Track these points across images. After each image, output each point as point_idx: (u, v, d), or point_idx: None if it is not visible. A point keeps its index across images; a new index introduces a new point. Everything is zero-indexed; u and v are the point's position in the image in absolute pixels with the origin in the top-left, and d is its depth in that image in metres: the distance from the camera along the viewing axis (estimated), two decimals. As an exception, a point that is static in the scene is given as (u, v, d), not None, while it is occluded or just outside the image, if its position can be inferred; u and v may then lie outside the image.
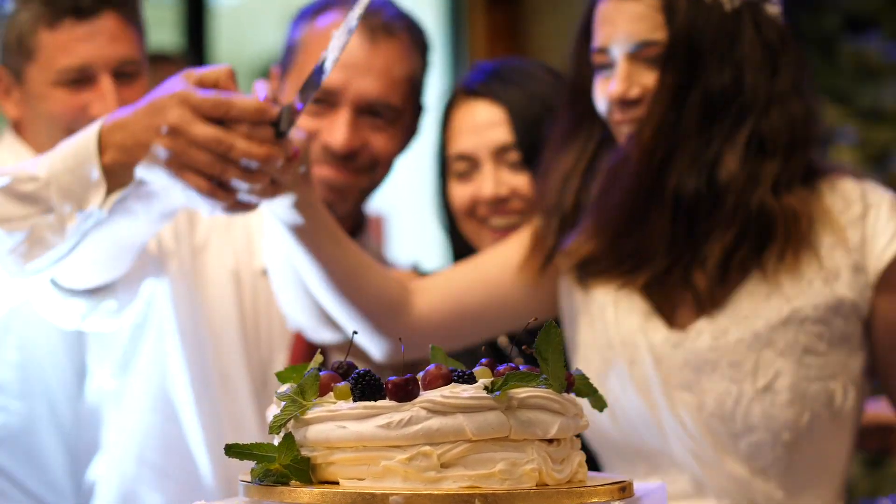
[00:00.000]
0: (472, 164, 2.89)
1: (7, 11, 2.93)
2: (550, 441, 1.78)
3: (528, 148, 2.84)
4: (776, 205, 2.41)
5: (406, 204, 6.99)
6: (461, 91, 2.94)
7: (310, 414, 1.76)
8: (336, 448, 1.74)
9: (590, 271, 2.53)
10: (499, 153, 2.86)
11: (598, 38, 2.48)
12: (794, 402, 2.38)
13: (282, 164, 2.27)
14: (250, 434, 2.78)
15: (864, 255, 2.43)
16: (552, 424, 1.77)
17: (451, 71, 7.38)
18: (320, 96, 2.80)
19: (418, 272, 2.98)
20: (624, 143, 2.47)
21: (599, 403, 1.89)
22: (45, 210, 2.29)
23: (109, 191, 2.28)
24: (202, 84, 2.27)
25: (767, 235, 2.42)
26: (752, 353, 2.40)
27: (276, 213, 2.43)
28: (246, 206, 2.32)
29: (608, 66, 2.47)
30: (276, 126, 2.26)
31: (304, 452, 1.76)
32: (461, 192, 2.91)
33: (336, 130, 2.80)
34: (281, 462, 1.75)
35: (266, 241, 2.82)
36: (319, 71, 2.25)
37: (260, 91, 2.27)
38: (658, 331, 2.45)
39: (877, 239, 2.44)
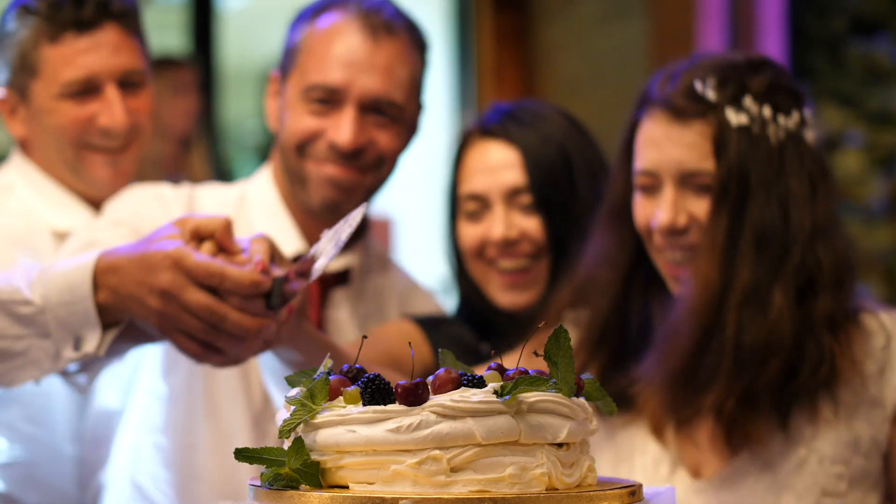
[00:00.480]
0: (483, 205, 2.86)
1: (9, 31, 2.93)
2: (560, 445, 1.78)
3: (541, 191, 2.82)
4: (828, 345, 2.38)
5: (412, 207, 7.00)
6: (476, 131, 2.92)
7: (319, 418, 1.76)
8: (346, 452, 1.74)
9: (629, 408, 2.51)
10: (511, 195, 2.84)
11: (644, 161, 2.45)
12: None
13: (273, 330, 2.24)
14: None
15: (882, 388, 2.41)
16: (562, 428, 1.77)
17: (459, 75, 7.39)
18: (325, 96, 2.81)
19: (415, 320, 2.94)
20: (682, 291, 2.43)
21: (609, 407, 1.89)
22: (42, 335, 2.28)
23: (106, 324, 2.27)
24: (198, 234, 2.23)
25: (816, 377, 2.39)
26: (770, 496, 2.38)
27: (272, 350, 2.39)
28: (235, 361, 2.29)
29: (652, 187, 2.45)
30: (267, 296, 2.21)
31: (314, 456, 1.76)
32: (471, 233, 2.88)
33: (342, 128, 2.79)
34: (291, 466, 1.75)
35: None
36: (310, 262, 2.21)
37: (256, 253, 2.23)
38: (683, 478, 2.44)
39: (894, 371, 2.42)
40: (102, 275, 2.24)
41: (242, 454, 1.77)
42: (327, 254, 2.18)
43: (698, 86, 2.41)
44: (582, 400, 1.83)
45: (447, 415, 1.71)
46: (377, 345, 2.69)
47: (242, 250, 2.24)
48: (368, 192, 2.92)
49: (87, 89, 2.90)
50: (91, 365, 2.48)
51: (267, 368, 2.57)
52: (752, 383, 2.37)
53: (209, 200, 2.91)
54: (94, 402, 2.93)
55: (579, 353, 2.55)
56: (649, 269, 2.52)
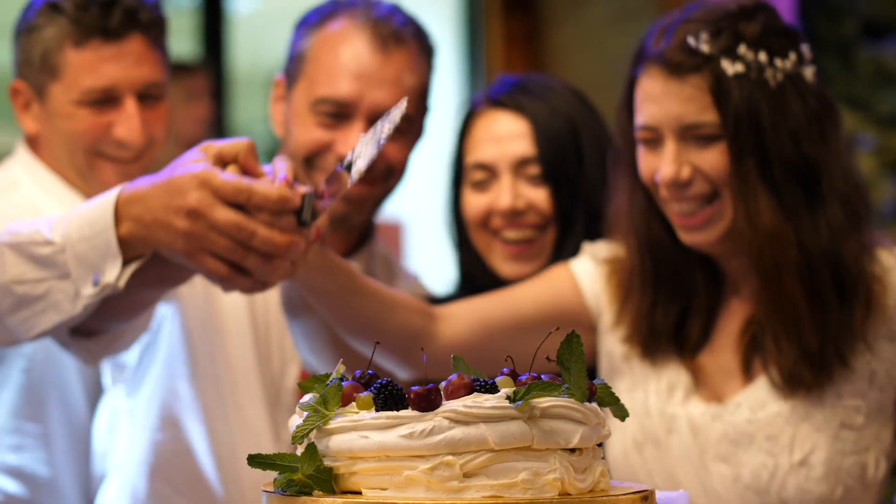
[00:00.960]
0: (490, 174, 2.86)
1: (32, 26, 2.92)
2: (573, 450, 1.78)
3: (550, 162, 2.82)
4: (865, 276, 2.45)
5: (423, 211, 7.00)
6: (485, 101, 2.92)
7: (332, 424, 1.76)
8: (359, 458, 1.74)
9: (661, 346, 2.55)
10: (519, 165, 2.84)
11: (643, 116, 2.48)
12: (829, 476, 2.40)
13: (303, 249, 2.23)
14: (264, 448, 2.77)
15: None
16: (574, 434, 1.77)
17: (468, 78, 7.39)
18: (335, 109, 2.80)
19: (428, 298, 2.94)
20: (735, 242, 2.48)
21: (621, 412, 1.89)
22: (61, 275, 2.25)
23: (126, 260, 2.25)
24: (222, 158, 2.22)
25: (869, 303, 2.45)
26: (789, 427, 2.42)
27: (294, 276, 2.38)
28: (263, 286, 2.28)
29: (654, 141, 2.48)
30: (297, 213, 2.20)
31: (327, 462, 1.76)
32: (476, 202, 2.88)
33: (351, 143, 2.75)
34: (303, 472, 1.75)
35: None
36: (346, 169, 2.19)
37: (280, 171, 2.22)
38: (698, 404, 2.47)
39: None
40: (125, 205, 2.22)
41: (255, 460, 1.77)
42: (366, 155, 2.16)
43: (691, 40, 2.44)
44: (594, 405, 1.83)
45: (460, 420, 1.71)
46: None
47: (264, 174, 2.23)
48: (378, 203, 2.92)
49: (106, 99, 2.89)
50: (103, 335, 2.47)
51: (300, 338, 2.57)
52: (831, 315, 2.44)
53: None
54: (104, 399, 2.92)
55: (616, 299, 2.60)
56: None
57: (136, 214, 2.22)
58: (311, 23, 2.89)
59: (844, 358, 2.43)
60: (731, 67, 2.42)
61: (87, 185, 2.94)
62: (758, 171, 2.41)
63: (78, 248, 2.23)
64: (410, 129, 2.88)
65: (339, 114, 2.80)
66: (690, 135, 2.44)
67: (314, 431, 1.78)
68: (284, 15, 2.99)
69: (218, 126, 6.80)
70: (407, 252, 6.86)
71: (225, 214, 2.16)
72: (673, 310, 2.55)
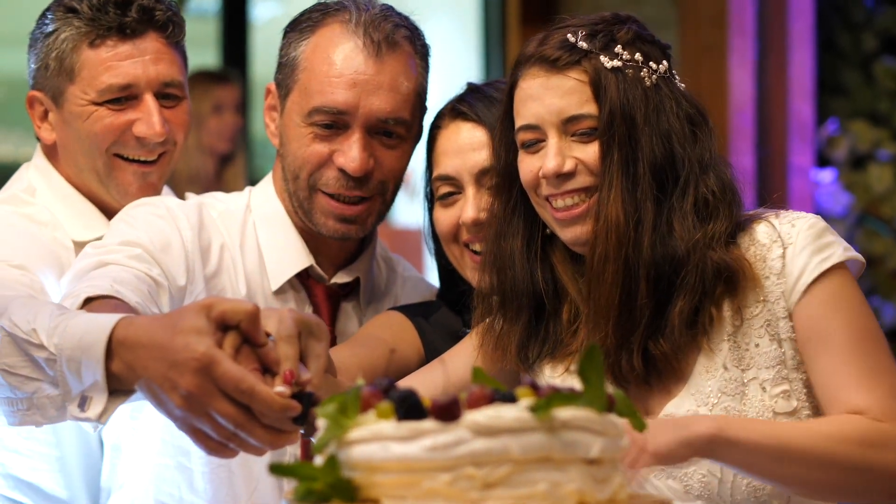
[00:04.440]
0: (454, 187, 2.83)
1: (47, 32, 2.92)
2: (592, 461, 1.78)
3: None
4: (733, 259, 2.46)
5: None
6: (447, 112, 2.89)
7: (353, 434, 1.76)
8: (379, 469, 1.74)
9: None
10: (481, 176, 2.80)
11: (525, 116, 2.51)
12: None
13: (297, 440, 2.12)
14: (261, 467, 2.75)
15: (789, 298, 2.46)
16: (594, 445, 1.77)
17: (487, 88, 7.40)
18: (330, 120, 2.77)
19: (401, 310, 2.90)
20: (588, 234, 2.50)
21: (639, 424, 1.90)
22: (52, 382, 2.16)
23: (114, 389, 2.13)
24: (224, 321, 2.05)
25: (728, 292, 2.47)
26: None
27: None
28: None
29: (535, 142, 2.51)
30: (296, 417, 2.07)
31: (347, 472, 1.76)
32: (445, 216, 2.85)
33: (349, 153, 2.76)
34: (324, 482, 1.76)
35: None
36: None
37: (285, 362, 2.07)
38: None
39: (794, 278, 2.46)
40: (119, 346, 2.10)
41: (278, 469, 1.77)
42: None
43: (571, 37, 2.50)
44: (614, 416, 1.83)
45: (482, 432, 1.71)
46: (373, 343, 2.72)
47: (267, 342, 2.09)
48: (379, 217, 2.88)
49: (125, 97, 2.89)
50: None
51: None
52: (666, 312, 2.45)
53: (216, 211, 2.88)
54: (108, 425, 2.92)
55: (493, 325, 2.61)
56: (545, 228, 2.59)
57: (128, 361, 2.09)
58: (301, 29, 2.85)
59: (658, 355, 2.45)
60: (609, 62, 2.48)
61: (106, 190, 2.93)
62: (621, 164, 2.45)
63: (70, 367, 2.14)
64: (408, 135, 2.85)
65: (335, 123, 2.77)
66: (572, 130, 2.48)
67: (334, 441, 1.78)
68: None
69: (244, 135, 6.79)
70: (428, 258, 6.86)
71: (223, 407, 2.03)
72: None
